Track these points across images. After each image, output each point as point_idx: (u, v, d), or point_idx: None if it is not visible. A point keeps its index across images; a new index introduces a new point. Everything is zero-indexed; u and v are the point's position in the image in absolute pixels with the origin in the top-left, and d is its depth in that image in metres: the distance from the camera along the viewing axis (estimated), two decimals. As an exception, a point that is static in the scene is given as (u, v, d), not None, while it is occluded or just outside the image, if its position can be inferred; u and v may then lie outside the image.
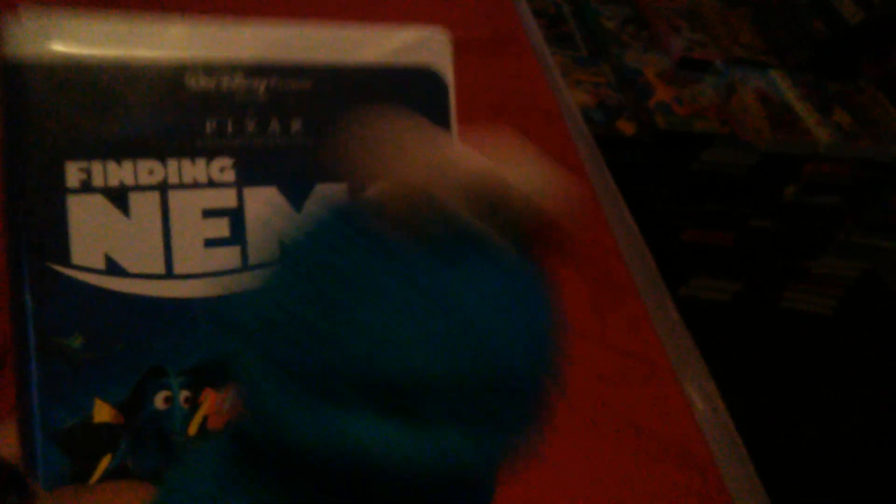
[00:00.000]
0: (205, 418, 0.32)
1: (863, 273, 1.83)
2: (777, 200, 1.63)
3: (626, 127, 1.44)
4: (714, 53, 1.63)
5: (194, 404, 0.32)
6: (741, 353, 1.68)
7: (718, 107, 1.53)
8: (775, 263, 1.77)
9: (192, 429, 0.32)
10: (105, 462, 0.31)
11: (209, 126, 0.34)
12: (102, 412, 0.31)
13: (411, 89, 0.37)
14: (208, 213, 0.33)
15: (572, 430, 0.64)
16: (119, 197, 0.34)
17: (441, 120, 0.37)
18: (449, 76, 0.38)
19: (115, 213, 0.34)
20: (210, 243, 0.33)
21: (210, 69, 0.35)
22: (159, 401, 0.32)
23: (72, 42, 0.36)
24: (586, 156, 0.88)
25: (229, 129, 0.34)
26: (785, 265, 1.78)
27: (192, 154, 0.34)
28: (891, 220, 1.76)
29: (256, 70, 0.35)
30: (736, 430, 0.74)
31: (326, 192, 0.34)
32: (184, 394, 0.32)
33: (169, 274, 0.34)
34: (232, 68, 0.35)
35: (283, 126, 0.35)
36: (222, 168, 0.34)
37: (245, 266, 0.33)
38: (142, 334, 0.29)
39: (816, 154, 1.55)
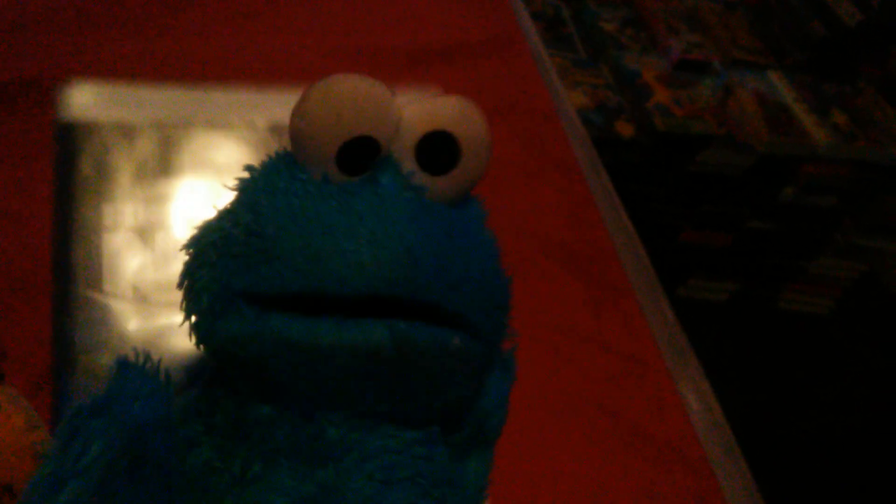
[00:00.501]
0: None
1: (860, 274, 1.84)
2: (775, 202, 1.64)
3: (625, 128, 1.44)
4: (712, 55, 1.64)
5: None
6: (738, 353, 1.68)
7: (716, 108, 1.54)
8: (773, 264, 1.78)
9: None
10: None
11: (234, 177, 0.38)
12: None
13: None
14: None
15: (566, 430, 0.64)
16: (146, 234, 0.40)
17: None
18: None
19: (142, 248, 0.40)
20: None
21: (235, 129, 0.41)
22: None
23: (115, 108, 0.44)
24: (582, 157, 0.88)
25: None
26: (782, 266, 1.79)
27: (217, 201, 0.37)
28: (889, 222, 1.76)
29: (275, 129, 0.41)
30: (731, 431, 0.74)
31: None
32: None
33: None
34: (254, 128, 0.41)
35: None
36: None
37: None
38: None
39: (814, 155, 1.56)
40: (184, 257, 0.28)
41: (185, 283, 0.27)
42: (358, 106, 0.25)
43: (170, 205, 0.41)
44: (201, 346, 0.27)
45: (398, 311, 0.25)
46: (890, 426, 1.71)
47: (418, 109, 0.26)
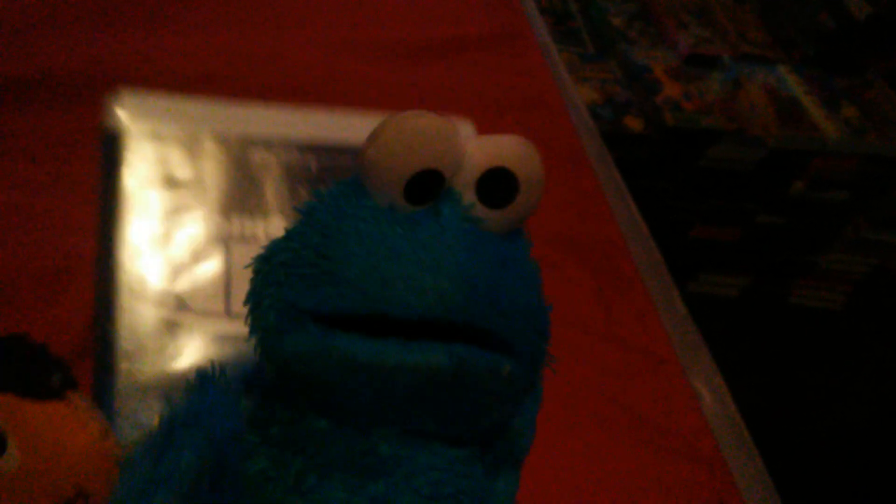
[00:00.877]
0: None
1: (872, 268, 1.83)
2: (785, 196, 1.63)
3: (634, 123, 1.44)
4: (721, 49, 1.63)
5: None
6: (750, 348, 1.68)
7: (726, 103, 1.53)
8: (783, 259, 1.77)
9: None
10: None
11: (268, 191, 0.41)
12: None
13: None
14: None
15: (578, 424, 0.64)
16: (186, 244, 0.41)
17: None
18: None
19: (182, 257, 0.41)
20: None
21: (269, 145, 0.42)
22: None
23: (159, 119, 0.45)
24: (592, 151, 0.88)
25: (286, 194, 0.41)
26: (793, 260, 1.78)
27: (253, 213, 0.40)
28: (900, 216, 1.76)
29: (308, 148, 0.42)
30: (744, 424, 0.74)
31: None
32: None
33: (227, 313, 0.40)
34: (288, 145, 0.43)
35: None
36: (279, 226, 0.38)
37: None
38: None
39: (824, 149, 1.55)
40: (249, 275, 0.29)
41: (253, 300, 0.29)
42: (428, 141, 0.27)
43: (207, 216, 0.42)
44: (266, 362, 0.29)
45: (453, 335, 0.26)
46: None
47: (481, 146, 0.28)
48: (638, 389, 0.69)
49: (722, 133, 1.48)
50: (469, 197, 0.28)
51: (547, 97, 0.90)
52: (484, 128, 0.85)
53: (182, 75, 0.74)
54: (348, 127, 0.44)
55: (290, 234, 0.29)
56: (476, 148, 0.28)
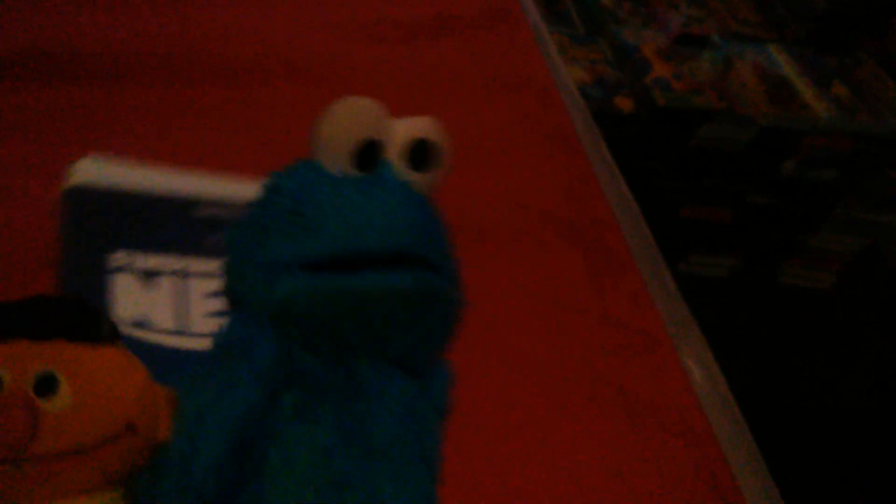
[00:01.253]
0: None
1: (862, 248, 1.83)
2: (775, 176, 1.63)
3: (624, 103, 1.43)
4: (712, 28, 1.63)
5: None
6: (740, 328, 1.68)
7: (716, 82, 1.53)
8: (774, 239, 1.77)
9: None
10: None
11: (213, 239, 0.50)
12: None
13: None
14: (214, 294, 0.47)
15: (571, 403, 0.64)
16: (152, 277, 0.49)
17: None
18: None
19: (146, 287, 0.49)
20: (214, 314, 0.47)
21: (214, 203, 0.52)
22: None
23: (120, 178, 0.54)
24: (583, 130, 0.87)
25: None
26: (783, 240, 1.78)
27: (205, 254, 0.49)
28: (890, 195, 1.76)
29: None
30: (735, 401, 0.74)
31: None
32: None
33: (184, 332, 0.47)
34: (230, 204, 0.52)
35: None
36: None
37: None
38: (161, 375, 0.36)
39: (815, 128, 1.55)
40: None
41: (233, 263, 0.35)
42: (369, 116, 0.34)
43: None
44: (258, 309, 0.34)
45: (403, 265, 0.34)
46: (891, 398, 1.72)
47: (405, 123, 0.36)
48: (630, 369, 0.69)
49: (712, 112, 1.48)
50: (401, 164, 0.35)
51: (537, 77, 0.90)
52: (477, 108, 0.85)
53: (166, 53, 0.73)
54: None
55: (259, 207, 0.35)
56: (401, 125, 0.35)
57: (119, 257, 0.49)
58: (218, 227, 0.50)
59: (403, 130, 0.35)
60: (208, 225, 0.51)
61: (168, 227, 0.52)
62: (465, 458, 0.55)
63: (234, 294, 0.35)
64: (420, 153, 0.36)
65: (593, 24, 1.60)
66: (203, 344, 0.40)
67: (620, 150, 0.92)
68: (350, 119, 0.34)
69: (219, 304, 0.44)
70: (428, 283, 0.35)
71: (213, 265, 0.44)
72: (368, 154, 0.34)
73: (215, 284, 0.46)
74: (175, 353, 0.46)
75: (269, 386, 0.32)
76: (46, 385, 0.28)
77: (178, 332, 0.47)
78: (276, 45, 0.79)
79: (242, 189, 0.48)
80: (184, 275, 0.49)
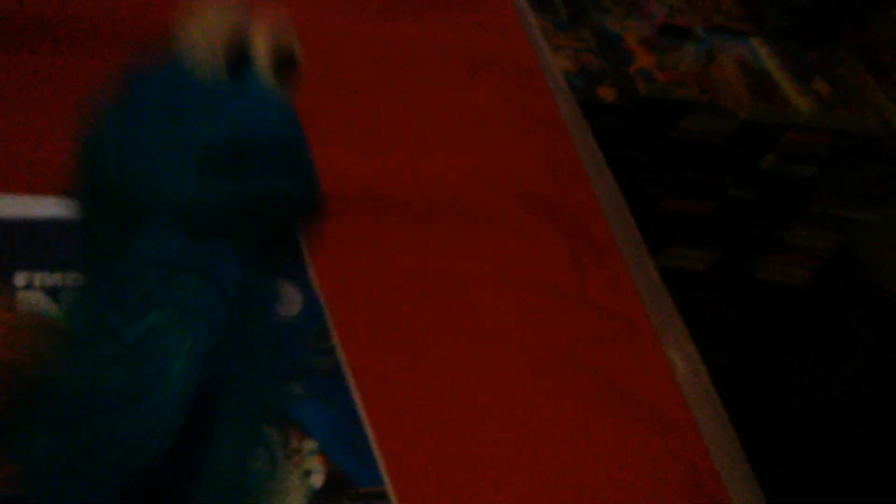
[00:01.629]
0: None
1: (837, 245, 1.84)
2: (755, 169, 1.63)
3: (607, 93, 1.42)
4: (695, 20, 1.62)
5: None
6: (717, 323, 1.68)
7: (698, 74, 1.52)
8: (751, 233, 1.77)
9: None
10: None
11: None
12: None
13: None
14: None
15: (552, 391, 0.63)
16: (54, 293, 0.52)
17: None
18: None
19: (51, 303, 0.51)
20: None
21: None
22: None
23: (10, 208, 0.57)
24: (568, 116, 0.86)
25: None
26: (761, 235, 1.78)
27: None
28: (865, 192, 1.76)
29: None
30: (715, 392, 0.73)
31: None
32: None
33: None
34: None
35: None
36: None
37: None
38: None
39: (795, 123, 1.55)
40: None
41: (113, 166, 0.33)
42: (237, 21, 0.38)
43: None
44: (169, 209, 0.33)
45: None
46: (862, 391, 1.74)
47: (268, 30, 0.39)
48: (612, 357, 0.68)
49: (695, 104, 1.47)
50: (266, 70, 0.38)
51: (522, 60, 0.88)
52: (461, 87, 0.83)
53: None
54: None
55: (128, 101, 0.34)
56: (263, 32, 0.38)
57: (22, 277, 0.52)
58: None
59: (266, 38, 0.39)
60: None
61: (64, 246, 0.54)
62: (441, 437, 0.54)
63: (117, 203, 0.34)
64: (282, 61, 0.39)
65: (577, 10, 1.59)
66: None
67: (602, 140, 0.91)
68: (221, 25, 0.36)
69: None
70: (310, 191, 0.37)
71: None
72: (237, 57, 0.37)
73: None
74: None
75: (233, 311, 0.32)
76: None
77: None
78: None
79: None
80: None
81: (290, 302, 0.55)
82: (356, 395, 0.53)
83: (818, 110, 1.55)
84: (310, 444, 0.48)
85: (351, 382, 0.53)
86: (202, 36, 0.36)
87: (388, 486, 0.49)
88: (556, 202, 0.75)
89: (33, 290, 0.52)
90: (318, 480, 0.47)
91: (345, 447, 0.49)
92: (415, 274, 0.64)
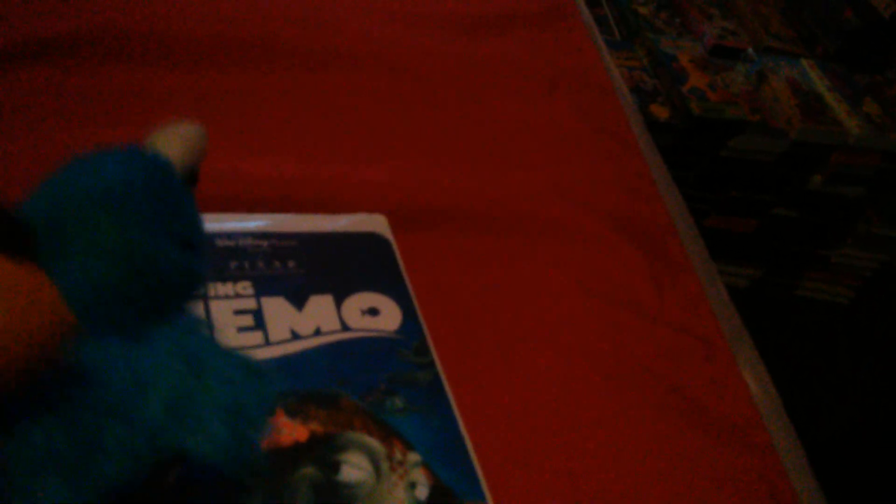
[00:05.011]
0: None
1: (881, 265, 1.83)
2: (802, 189, 1.63)
3: (660, 111, 1.43)
4: (745, 42, 1.62)
5: None
6: (757, 339, 1.67)
7: (750, 94, 1.53)
8: (795, 251, 1.77)
9: None
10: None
11: (232, 264, 0.54)
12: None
13: (361, 245, 0.60)
14: (237, 312, 0.51)
15: (632, 406, 0.63)
16: None
17: (390, 262, 0.60)
18: (391, 237, 0.61)
19: None
20: (241, 329, 0.51)
21: (229, 236, 0.56)
22: None
23: None
24: (639, 132, 0.87)
25: (246, 265, 0.55)
26: (804, 254, 1.78)
27: (223, 280, 0.53)
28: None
29: (260, 236, 0.57)
30: (787, 415, 0.73)
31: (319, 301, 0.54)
32: None
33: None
34: (244, 234, 0.57)
35: (282, 264, 0.56)
36: (244, 287, 0.53)
37: (267, 342, 0.50)
38: None
39: (845, 144, 1.55)
40: None
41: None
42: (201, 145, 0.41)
43: None
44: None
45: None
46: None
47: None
48: (690, 374, 0.68)
49: (746, 124, 1.47)
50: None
51: (594, 77, 0.89)
52: (538, 103, 0.84)
53: (236, 37, 0.72)
54: (290, 222, 0.60)
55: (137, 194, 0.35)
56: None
57: None
58: (236, 254, 0.56)
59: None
60: (228, 253, 0.56)
61: None
62: (515, 450, 0.55)
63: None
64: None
65: (630, 30, 1.60)
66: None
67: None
68: (190, 147, 0.40)
69: (242, 320, 0.51)
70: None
71: (235, 288, 0.53)
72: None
73: (236, 304, 0.52)
74: None
75: None
76: None
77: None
78: (344, 33, 0.78)
79: (247, 223, 0.59)
80: (206, 299, 0.52)
81: (390, 316, 0.56)
82: (455, 409, 0.53)
83: (867, 131, 1.55)
84: (413, 457, 0.48)
85: (450, 395, 0.54)
86: (178, 153, 0.39)
87: (490, 501, 0.50)
88: (634, 219, 0.76)
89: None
90: (422, 493, 0.47)
91: (447, 460, 0.49)
92: (502, 286, 0.65)
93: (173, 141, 0.40)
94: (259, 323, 0.51)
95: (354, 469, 0.46)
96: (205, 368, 0.34)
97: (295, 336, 0.51)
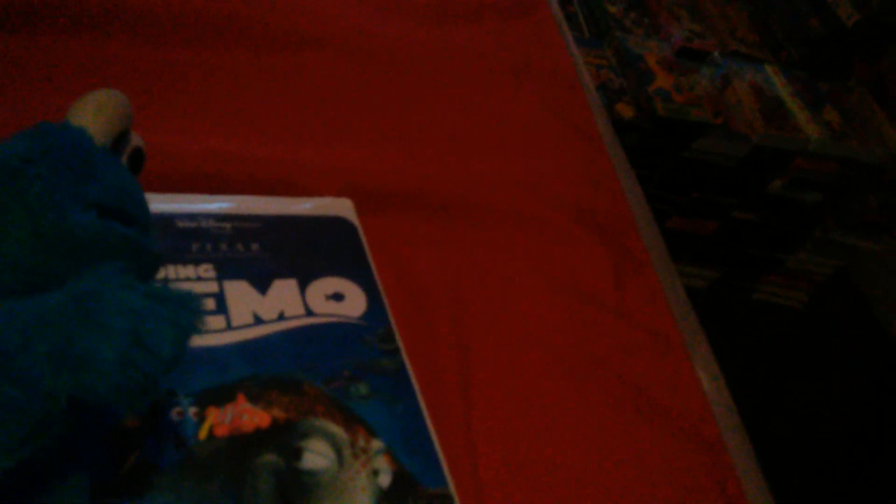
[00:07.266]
0: (211, 427, 0.43)
1: (835, 270, 1.87)
2: (762, 193, 1.65)
3: (625, 110, 1.44)
4: (712, 45, 1.64)
5: (202, 417, 0.44)
6: (713, 339, 1.70)
7: (714, 97, 1.54)
8: (753, 255, 1.80)
9: (203, 434, 0.43)
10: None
11: (194, 246, 0.53)
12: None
13: (327, 230, 0.60)
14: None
15: (587, 399, 0.64)
16: None
17: (356, 247, 0.59)
18: (356, 221, 0.61)
19: None
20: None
21: (192, 217, 0.56)
22: (174, 414, 0.43)
23: None
24: (604, 130, 0.88)
25: (208, 248, 0.54)
26: (762, 257, 1.81)
27: (184, 262, 0.52)
28: (866, 220, 1.79)
29: (223, 218, 0.56)
30: (737, 411, 0.74)
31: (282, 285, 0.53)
32: (192, 409, 0.44)
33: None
34: (206, 216, 0.56)
35: (246, 247, 0.55)
36: (206, 270, 0.52)
37: (229, 326, 0.49)
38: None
39: (805, 150, 1.57)
40: None
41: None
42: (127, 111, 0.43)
43: None
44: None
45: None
46: (853, 415, 1.76)
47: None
48: (647, 370, 0.69)
49: (709, 126, 1.49)
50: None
51: (562, 71, 0.90)
52: (506, 94, 0.84)
53: (203, 13, 0.72)
54: (254, 204, 0.59)
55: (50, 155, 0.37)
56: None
57: None
58: (198, 236, 0.55)
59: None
60: (190, 235, 0.55)
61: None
62: (474, 438, 0.55)
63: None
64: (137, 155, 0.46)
65: (599, 29, 1.61)
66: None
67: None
68: (107, 114, 0.41)
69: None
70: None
71: (196, 270, 0.52)
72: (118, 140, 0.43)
73: (198, 287, 0.51)
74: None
75: None
76: None
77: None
78: (314, 16, 0.77)
79: (209, 204, 0.58)
80: (166, 281, 0.52)
81: (355, 302, 0.56)
82: (419, 396, 0.53)
83: (827, 139, 1.58)
84: (376, 444, 0.48)
85: (414, 383, 0.54)
86: (103, 119, 0.41)
87: (451, 488, 0.50)
88: (598, 214, 0.77)
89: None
90: (385, 480, 0.47)
91: (410, 447, 0.49)
92: (464, 275, 0.65)
93: (87, 110, 0.41)
94: (221, 307, 0.50)
95: (317, 456, 0.46)
96: (101, 305, 0.33)
97: (258, 321, 0.50)
